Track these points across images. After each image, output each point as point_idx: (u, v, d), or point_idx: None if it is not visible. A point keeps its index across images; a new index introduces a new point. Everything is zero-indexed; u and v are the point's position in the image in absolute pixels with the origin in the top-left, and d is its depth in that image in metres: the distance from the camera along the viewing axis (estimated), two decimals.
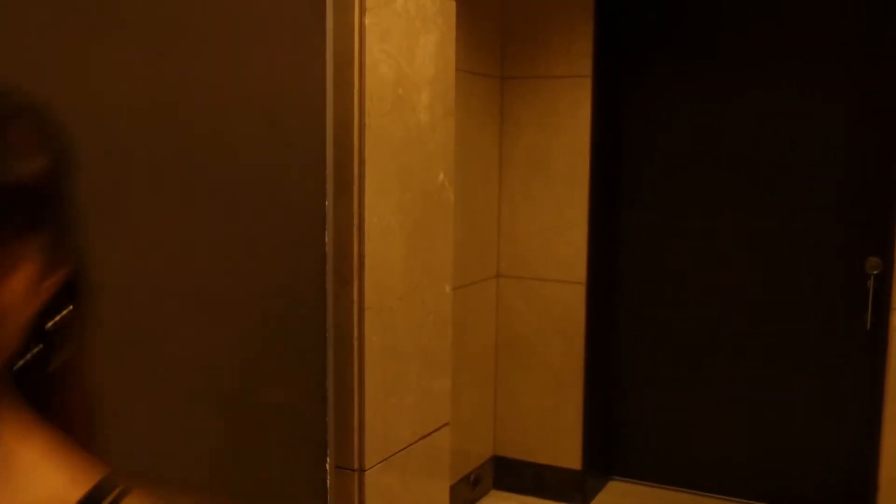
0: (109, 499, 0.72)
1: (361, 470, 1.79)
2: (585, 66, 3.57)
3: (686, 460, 3.89)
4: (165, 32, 1.83)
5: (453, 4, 1.96)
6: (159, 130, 1.86)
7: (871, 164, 3.44)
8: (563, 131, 3.63)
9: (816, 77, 3.50)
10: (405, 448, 1.91)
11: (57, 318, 0.76)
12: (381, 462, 1.83)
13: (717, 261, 3.73)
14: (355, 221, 1.72)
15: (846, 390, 3.57)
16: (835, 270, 3.54)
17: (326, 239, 1.68)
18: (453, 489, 3.59)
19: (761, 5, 3.58)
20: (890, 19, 3.35)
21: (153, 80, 1.85)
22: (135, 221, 1.91)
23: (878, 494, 3.25)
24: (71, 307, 0.78)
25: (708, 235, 3.74)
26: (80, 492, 0.70)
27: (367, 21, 1.69)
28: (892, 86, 3.32)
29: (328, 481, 1.75)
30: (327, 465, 1.74)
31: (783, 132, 3.57)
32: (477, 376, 3.76)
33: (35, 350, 0.73)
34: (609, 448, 4.02)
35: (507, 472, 3.93)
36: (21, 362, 0.72)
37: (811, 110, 3.52)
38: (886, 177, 3.33)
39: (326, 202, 1.68)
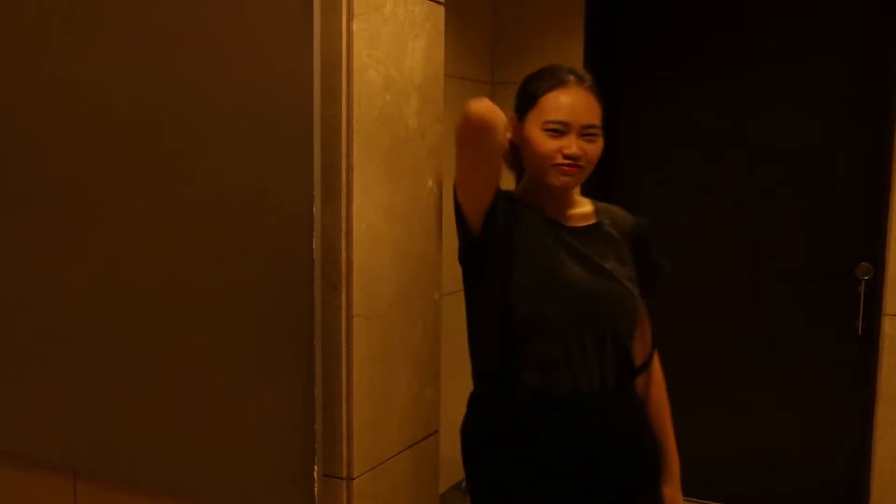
0: None
1: (350, 478, 1.77)
2: None
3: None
4: (153, 38, 1.82)
5: (442, 9, 1.95)
6: (146, 135, 1.85)
7: (863, 168, 3.44)
8: None
9: (809, 83, 3.51)
10: (394, 456, 1.90)
11: None
12: (369, 470, 1.82)
13: (709, 266, 3.73)
14: (343, 227, 1.71)
15: (837, 395, 3.56)
16: (826, 276, 3.54)
17: (314, 245, 1.67)
18: (444, 497, 3.57)
19: (755, 10, 3.58)
20: (885, 28, 3.36)
21: (140, 84, 1.84)
22: (121, 225, 1.90)
23: (870, 499, 3.24)
24: None
25: (699, 240, 3.74)
26: None
27: (354, 26, 1.68)
28: (885, 91, 3.33)
29: (316, 490, 1.73)
30: (315, 474, 1.72)
31: (775, 138, 3.58)
32: (467, 383, 3.74)
33: None
34: None
35: None
36: None
37: (803, 115, 3.53)
38: (877, 182, 3.34)
39: (314, 208, 1.66)
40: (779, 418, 3.68)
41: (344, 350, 1.74)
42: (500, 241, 1.72)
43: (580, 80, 1.82)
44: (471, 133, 1.58)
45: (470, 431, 1.87)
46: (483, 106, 1.56)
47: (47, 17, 1.94)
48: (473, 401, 1.91)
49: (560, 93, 1.77)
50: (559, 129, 1.75)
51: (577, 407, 1.75)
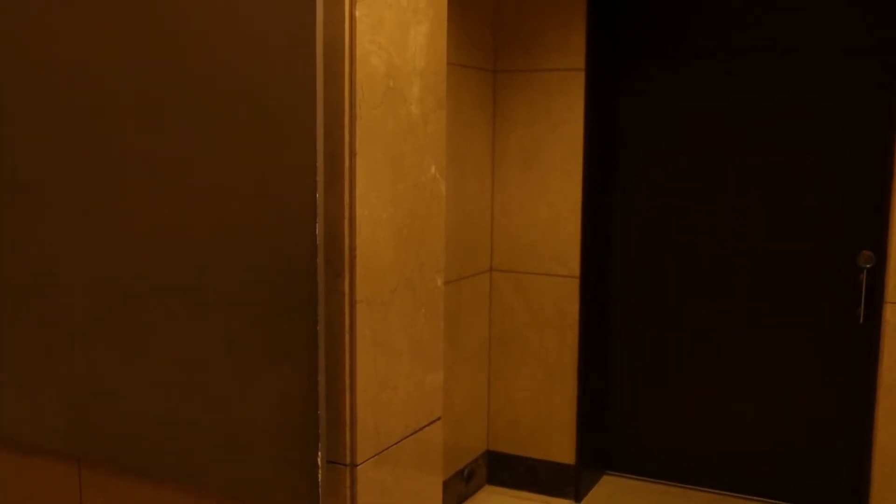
0: None
1: (353, 465, 1.77)
2: (579, 59, 3.56)
3: (679, 455, 3.88)
4: (155, 25, 1.81)
5: None
6: (148, 122, 1.84)
7: (864, 157, 3.43)
8: (556, 125, 3.62)
9: (811, 71, 3.50)
10: (397, 442, 1.90)
11: None
12: (373, 457, 1.82)
13: (711, 255, 3.73)
14: (346, 214, 1.71)
15: (839, 384, 3.57)
16: (828, 264, 3.54)
17: (317, 231, 1.67)
18: (447, 484, 3.58)
19: (761, 3, 3.57)
20: (886, 19, 3.35)
21: (142, 72, 1.83)
22: (124, 213, 1.90)
23: (871, 488, 3.25)
24: None
25: (702, 229, 3.73)
26: None
27: (357, 12, 1.67)
28: (886, 81, 3.32)
29: (319, 476, 1.73)
30: (318, 460, 1.73)
31: (777, 127, 3.57)
32: (470, 371, 3.75)
33: None
34: (603, 442, 4.02)
35: (500, 467, 3.93)
36: None
37: (805, 105, 3.52)
38: (879, 171, 3.33)
39: (317, 194, 1.66)
40: (780, 407, 3.68)
41: (347, 337, 1.74)
42: None
43: None
44: None
45: None
46: None
47: (50, 1, 1.93)
48: None
49: None
50: None
51: None
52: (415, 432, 1.96)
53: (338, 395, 1.76)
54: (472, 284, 3.67)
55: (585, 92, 3.53)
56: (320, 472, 1.73)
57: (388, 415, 1.86)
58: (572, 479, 3.78)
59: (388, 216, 1.80)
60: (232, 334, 1.79)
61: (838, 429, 3.58)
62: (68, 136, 1.94)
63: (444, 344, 2.09)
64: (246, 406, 1.80)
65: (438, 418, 2.05)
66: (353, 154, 1.70)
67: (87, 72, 1.90)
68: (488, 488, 3.92)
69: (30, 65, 1.97)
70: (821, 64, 3.47)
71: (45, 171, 1.99)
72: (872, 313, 3.34)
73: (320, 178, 1.66)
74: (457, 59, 3.45)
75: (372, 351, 1.79)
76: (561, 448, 3.79)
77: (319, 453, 1.72)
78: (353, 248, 1.72)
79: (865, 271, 3.39)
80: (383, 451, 1.85)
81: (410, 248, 1.89)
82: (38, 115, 1.98)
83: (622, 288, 3.89)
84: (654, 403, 3.91)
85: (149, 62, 1.82)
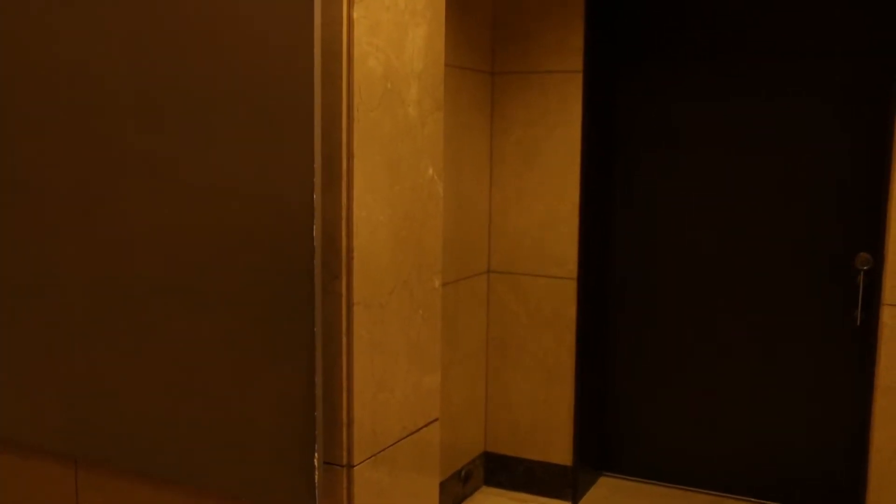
0: None
1: (350, 466, 1.78)
2: (577, 61, 3.57)
3: (677, 456, 3.89)
4: (154, 26, 1.82)
5: None
6: (147, 123, 1.85)
7: (862, 160, 3.44)
8: (554, 127, 3.62)
9: (810, 73, 3.51)
10: (394, 444, 1.91)
11: None
12: (369, 458, 1.82)
13: (708, 256, 3.73)
14: (344, 216, 1.72)
15: (837, 386, 3.57)
16: (825, 266, 3.54)
17: (314, 233, 1.68)
18: (444, 485, 3.58)
19: (760, 3, 3.57)
20: (886, 19, 3.36)
21: (141, 73, 1.84)
22: (123, 214, 1.90)
23: (868, 489, 3.25)
24: None
25: (699, 231, 3.74)
26: None
27: (355, 14, 1.68)
28: (885, 83, 3.32)
29: (316, 477, 1.74)
30: (315, 461, 1.73)
31: (776, 128, 3.58)
32: (468, 372, 3.76)
33: None
34: (600, 444, 4.02)
35: (498, 468, 3.93)
36: None
37: (804, 106, 3.53)
38: (877, 172, 3.34)
39: (315, 196, 1.67)
40: (777, 409, 3.69)
41: (344, 338, 1.74)
42: None
43: None
44: None
45: None
46: None
47: (50, 1, 1.93)
48: None
49: None
50: None
51: None
52: (412, 433, 1.96)
53: (335, 396, 1.76)
54: (469, 286, 3.68)
55: (583, 93, 3.54)
56: (317, 472, 1.74)
57: (385, 416, 1.86)
58: (569, 481, 3.79)
59: (385, 218, 1.81)
60: (230, 335, 1.80)
61: (836, 430, 3.59)
62: (68, 136, 1.94)
63: (441, 345, 2.09)
64: (244, 406, 1.81)
65: (436, 419, 2.06)
66: (350, 156, 1.70)
67: (87, 72, 1.90)
68: (485, 489, 3.92)
69: (30, 65, 1.98)
70: (820, 65, 3.47)
71: (45, 171, 1.99)
72: (870, 315, 3.35)
73: (318, 179, 1.67)
74: (455, 60, 3.45)
75: (369, 352, 1.79)
76: (558, 449, 3.80)
77: (316, 454, 1.73)
78: (350, 250, 1.72)
79: (863, 273, 3.40)
80: (380, 451, 1.86)
81: (408, 250, 1.89)
82: (38, 115, 1.98)
83: (620, 289, 3.90)
84: (652, 404, 3.91)
85: (149, 62, 1.83)
